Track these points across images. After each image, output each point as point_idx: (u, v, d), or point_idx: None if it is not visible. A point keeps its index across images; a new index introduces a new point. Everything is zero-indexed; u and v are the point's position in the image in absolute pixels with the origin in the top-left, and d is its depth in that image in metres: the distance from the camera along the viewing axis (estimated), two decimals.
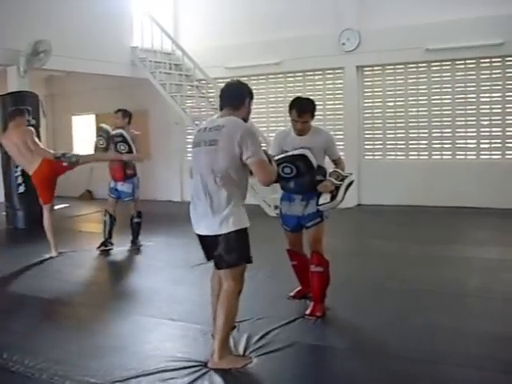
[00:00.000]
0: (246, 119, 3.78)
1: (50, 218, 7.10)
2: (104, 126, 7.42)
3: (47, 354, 3.96)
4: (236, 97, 3.81)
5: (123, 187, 7.38)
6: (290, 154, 4.46)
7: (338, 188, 4.55)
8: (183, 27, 12.24)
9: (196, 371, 3.59)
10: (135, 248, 7.53)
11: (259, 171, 3.59)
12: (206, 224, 3.67)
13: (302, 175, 4.47)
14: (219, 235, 3.62)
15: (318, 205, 4.56)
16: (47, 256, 7.01)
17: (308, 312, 4.57)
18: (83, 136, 13.88)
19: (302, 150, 4.44)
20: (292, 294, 5.06)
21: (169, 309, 4.99)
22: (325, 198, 4.53)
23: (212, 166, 3.61)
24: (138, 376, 3.55)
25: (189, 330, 4.42)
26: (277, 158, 4.40)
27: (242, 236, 3.68)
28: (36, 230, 8.96)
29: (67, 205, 12.19)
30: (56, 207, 11.31)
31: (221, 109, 3.85)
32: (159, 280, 6.03)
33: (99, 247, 7.41)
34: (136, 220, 7.60)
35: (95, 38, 9.95)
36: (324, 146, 4.64)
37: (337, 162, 4.79)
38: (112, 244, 7.49)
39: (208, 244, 3.75)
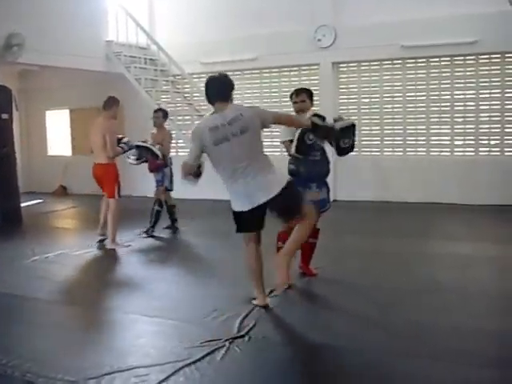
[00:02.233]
0: None
1: (113, 209, 7.20)
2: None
3: (20, 351, 3.91)
4: (228, 89, 4.32)
5: (155, 176, 8.03)
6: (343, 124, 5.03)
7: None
8: (159, 21, 12.14)
9: (170, 367, 3.57)
10: (174, 232, 8.16)
11: (289, 117, 4.70)
12: (265, 191, 4.22)
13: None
14: (282, 189, 4.23)
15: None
16: (108, 247, 7.27)
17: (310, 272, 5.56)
18: (57, 130, 13.78)
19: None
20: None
21: (145, 305, 4.96)
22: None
23: (251, 149, 4.27)
24: (112, 373, 3.51)
25: (164, 325, 4.41)
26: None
27: (293, 184, 4.41)
28: (10, 226, 8.87)
29: (41, 200, 12.07)
30: (29, 203, 11.29)
31: (213, 102, 4.28)
32: (136, 276, 6.00)
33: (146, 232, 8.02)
34: (157, 208, 8.04)
35: (69, 32, 9.80)
36: None
37: None
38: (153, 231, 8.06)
39: (263, 210, 4.33)
